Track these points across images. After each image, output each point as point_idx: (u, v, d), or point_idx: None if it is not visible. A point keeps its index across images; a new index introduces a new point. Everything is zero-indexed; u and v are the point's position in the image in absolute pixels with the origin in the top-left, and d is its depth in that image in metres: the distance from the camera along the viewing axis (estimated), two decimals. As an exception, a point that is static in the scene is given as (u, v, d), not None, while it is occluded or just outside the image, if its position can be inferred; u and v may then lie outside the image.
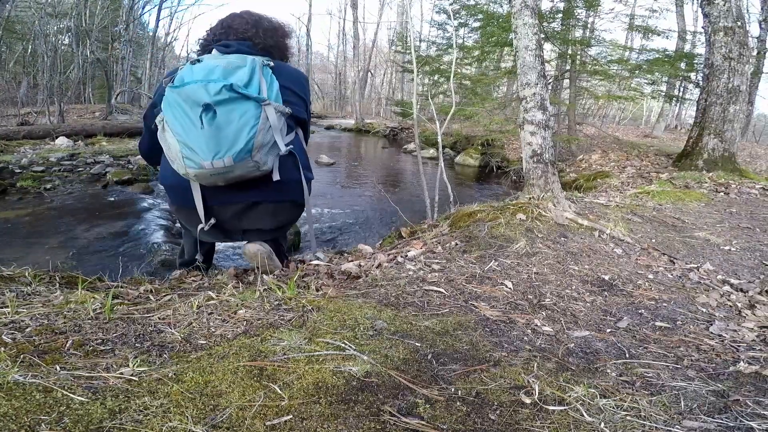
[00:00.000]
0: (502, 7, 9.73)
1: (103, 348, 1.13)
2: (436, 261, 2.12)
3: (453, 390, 1.06)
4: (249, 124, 1.55)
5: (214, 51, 1.77)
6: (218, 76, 1.56)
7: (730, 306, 1.85)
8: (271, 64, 1.73)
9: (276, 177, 1.70)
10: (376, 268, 2.07)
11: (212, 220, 1.79)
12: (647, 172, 5.81)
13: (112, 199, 5.09)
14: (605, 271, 2.10)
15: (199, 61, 1.64)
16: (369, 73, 23.69)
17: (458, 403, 1.01)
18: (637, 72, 8.30)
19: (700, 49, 8.74)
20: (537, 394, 1.05)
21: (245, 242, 1.95)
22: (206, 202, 1.76)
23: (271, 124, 1.60)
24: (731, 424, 0.99)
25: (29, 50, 14.41)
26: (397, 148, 12.49)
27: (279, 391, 0.98)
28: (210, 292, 1.57)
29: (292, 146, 1.76)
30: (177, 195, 1.82)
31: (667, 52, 8.30)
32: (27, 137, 8.09)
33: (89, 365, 1.02)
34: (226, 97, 1.52)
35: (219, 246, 3.46)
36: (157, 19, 19.43)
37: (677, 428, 0.97)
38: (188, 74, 1.58)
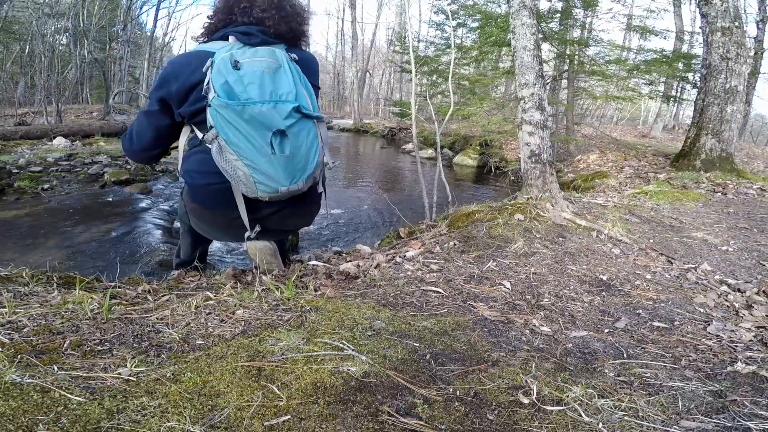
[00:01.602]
0: (500, 7, 9.75)
1: (101, 348, 1.13)
2: (435, 261, 2.12)
3: (451, 390, 1.06)
4: (314, 146, 1.54)
5: (232, 38, 1.58)
6: (272, 90, 1.46)
7: (728, 306, 1.86)
8: (295, 57, 1.61)
9: (320, 189, 1.71)
10: (375, 268, 2.07)
11: (258, 227, 1.70)
12: (645, 173, 5.82)
13: (110, 199, 5.08)
14: (603, 272, 2.11)
15: (238, 62, 1.46)
16: (367, 74, 23.69)
17: (456, 403, 1.01)
18: (634, 72, 8.32)
19: (698, 50, 8.77)
20: (535, 394, 1.06)
21: (248, 240, 1.90)
22: (255, 212, 1.68)
23: (323, 142, 1.58)
24: (729, 424, 0.99)
25: (27, 50, 14.38)
26: (395, 149, 12.49)
27: (277, 391, 0.98)
28: (208, 293, 1.57)
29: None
30: (211, 198, 1.69)
31: (665, 53, 8.31)
32: (24, 137, 8.07)
33: (87, 365, 1.02)
34: (295, 120, 1.48)
35: (213, 247, 3.45)
36: (155, 19, 19.47)
37: (675, 428, 0.97)
38: (237, 83, 1.43)
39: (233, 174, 1.51)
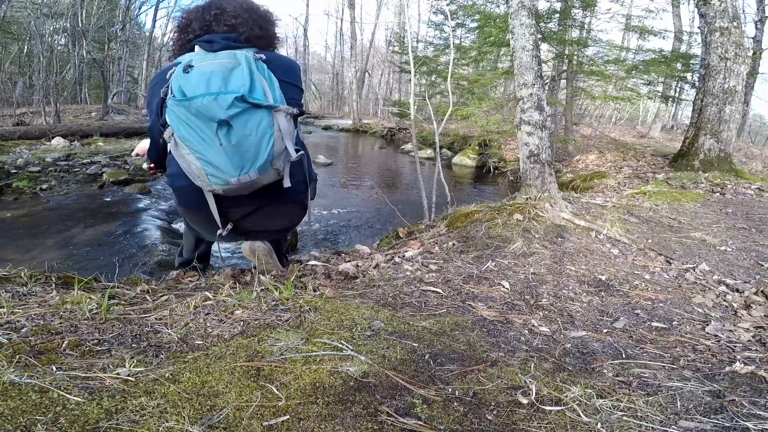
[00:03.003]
0: (499, 7, 9.75)
1: (100, 348, 1.13)
2: (434, 261, 2.12)
3: (450, 390, 1.06)
4: (267, 134, 1.51)
5: (198, 48, 1.67)
6: (221, 85, 1.49)
7: (726, 306, 1.86)
8: (263, 56, 1.64)
9: (287, 183, 1.65)
10: (374, 268, 2.07)
11: (230, 225, 1.76)
12: (644, 173, 5.83)
13: (109, 199, 5.07)
14: (602, 272, 2.11)
15: (191, 67, 1.55)
16: (366, 74, 23.67)
17: (455, 404, 1.01)
18: (633, 72, 8.32)
19: (697, 50, 8.78)
20: (534, 394, 1.06)
21: (244, 240, 1.93)
22: (219, 205, 1.72)
23: (282, 131, 1.55)
24: (727, 425, 0.99)
25: (25, 50, 14.34)
26: (394, 149, 12.49)
27: (276, 391, 0.98)
28: (207, 293, 1.57)
29: (301, 150, 1.68)
30: (189, 199, 1.76)
31: (664, 53, 8.32)
32: (23, 137, 8.06)
33: (85, 365, 1.02)
34: (240, 109, 1.47)
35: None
36: (154, 20, 19.43)
37: (673, 428, 0.97)
38: (186, 84, 1.50)
39: (188, 169, 1.57)
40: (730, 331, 1.60)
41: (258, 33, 1.78)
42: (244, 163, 1.51)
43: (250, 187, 1.58)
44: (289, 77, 1.75)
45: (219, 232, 1.74)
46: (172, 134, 1.54)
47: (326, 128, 17.68)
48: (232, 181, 1.52)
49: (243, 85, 1.51)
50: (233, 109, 1.46)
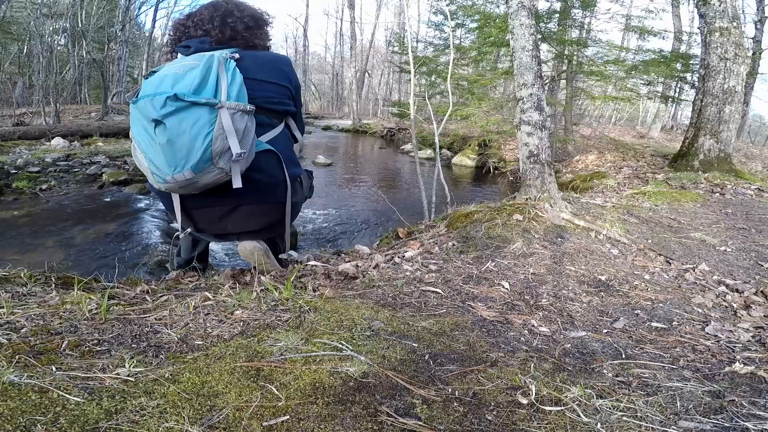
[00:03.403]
0: (498, 7, 9.77)
1: (99, 348, 1.12)
2: (433, 261, 2.12)
3: (450, 390, 1.06)
4: (203, 132, 1.48)
5: (178, 55, 1.72)
6: (167, 87, 1.50)
7: (726, 306, 1.86)
8: (236, 56, 1.64)
9: (236, 184, 1.59)
10: (374, 268, 2.07)
11: (189, 229, 1.78)
12: (643, 173, 5.83)
13: (108, 199, 5.07)
14: (602, 272, 2.11)
15: (153, 73, 1.60)
16: (366, 74, 23.68)
17: (455, 404, 1.01)
18: (633, 73, 8.32)
19: (696, 50, 8.79)
20: (534, 394, 1.06)
21: (240, 241, 1.93)
22: (185, 207, 1.74)
23: (225, 128, 1.51)
24: (727, 425, 0.99)
25: (25, 51, 14.36)
26: (394, 149, 12.49)
27: (276, 391, 0.98)
28: (206, 293, 1.57)
29: (244, 150, 1.59)
30: (163, 200, 1.82)
31: (663, 53, 8.32)
32: (22, 138, 8.06)
33: (85, 366, 1.02)
34: (173, 108, 1.46)
35: (214, 246, 3.45)
36: (154, 20, 19.41)
37: (673, 428, 0.97)
38: (143, 88, 1.56)
39: (140, 166, 1.62)
40: (730, 331, 1.60)
41: (230, 34, 1.81)
42: (176, 162, 1.50)
43: (194, 185, 1.57)
44: (267, 74, 1.75)
45: (187, 230, 1.78)
46: (131, 134, 1.60)
47: (326, 128, 17.68)
48: (168, 179, 1.53)
49: (189, 84, 1.51)
50: (165, 108, 1.47)
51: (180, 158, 1.49)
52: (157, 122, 1.48)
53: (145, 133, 1.52)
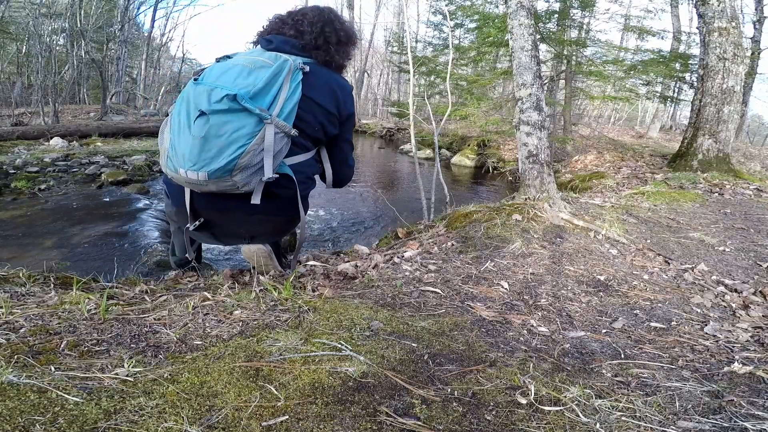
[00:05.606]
0: (497, 8, 9.78)
1: (98, 348, 1.12)
2: (433, 262, 2.12)
3: (449, 390, 1.06)
4: (239, 142, 1.43)
5: (258, 46, 1.69)
6: (229, 80, 1.46)
7: (725, 306, 1.86)
8: (307, 68, 1.57)
9: (255, 201, 1.54)
10: (373, 268, 2.07)
11: (197, 222, 1.69)
12: (642, 173, 5.84)
13: (107, 199, 5.07)
14: (600, 272, 2.11)
15: (227, 57, 1.56)
16: (365, 74, 23.67)
17: (454, 404, 1.01)
18: (632, 73, 8.33)
19: (695, 50, 8.80)
20: (533, 394, 1.06)
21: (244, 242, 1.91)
22: (193, 203, 1.66)
23: (264, 146, 1.46)
24: (725, 425, 0.99)
25: (23, 51, 14.34)
26: (393, 149, 12.49)
27: (275, 391, 0.98)
28: (205, 293, 1.57)
29: (275, 175, 1.53)
30: (174, 192, 1.71)
31: (662, 53, 8.34)
32: (21, 138, 8.04)
33: (84, 366, 1.02)
34: (225, 107, 1.41)
35: (214, 248, 3.45)
36: (153, 20, 19.36)
37: (672, 428, 0.97)
38: (208, 71, 1.52)
39: (161, 145, 1.57)
40: (729, 331, 1.60)
41: (320, 43, 1.70)
42: (199, 160, 1.44)
43: (199, 186, 1.52)
44: (323, 98, 1.65)
45: (187, 226, 1.70)
46: (170, 110, 1.56)
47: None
48: (180, 171, 1.48)
49: (251, 85, 1.46)
50: (219, 105, 1.42)
51: (204, 158, 1.44)
52: (202, 113, 1.42)
53: (185, 116, 1.46)
